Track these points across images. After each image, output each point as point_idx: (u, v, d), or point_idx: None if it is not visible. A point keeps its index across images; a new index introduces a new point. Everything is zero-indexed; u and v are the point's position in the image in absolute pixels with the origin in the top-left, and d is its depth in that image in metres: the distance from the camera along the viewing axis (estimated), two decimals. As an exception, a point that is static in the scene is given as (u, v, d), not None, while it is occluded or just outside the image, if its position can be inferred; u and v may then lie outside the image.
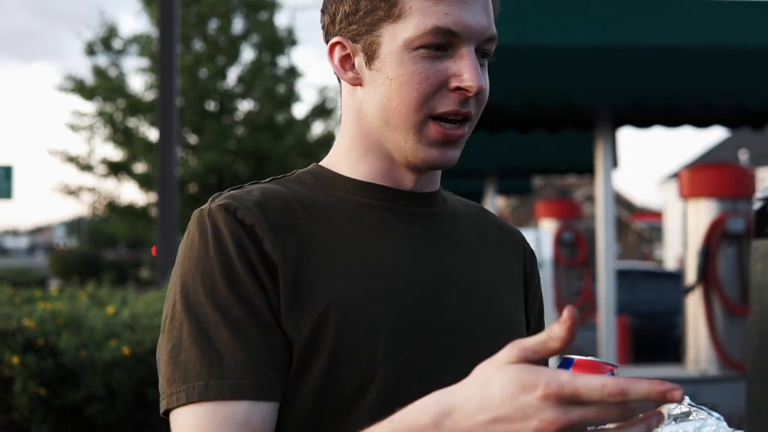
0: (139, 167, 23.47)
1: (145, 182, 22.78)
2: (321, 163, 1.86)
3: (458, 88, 1.69)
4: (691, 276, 8.84)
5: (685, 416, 1.75)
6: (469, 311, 1.78)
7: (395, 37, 1.69)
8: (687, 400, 1.74)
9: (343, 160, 1.82)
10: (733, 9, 7.83)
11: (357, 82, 1.77)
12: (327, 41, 1.82)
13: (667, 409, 1.72)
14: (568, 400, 1.23)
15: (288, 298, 1.62)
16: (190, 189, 23.14)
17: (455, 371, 1.49)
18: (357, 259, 1.70)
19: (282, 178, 1.83)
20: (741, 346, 8.08)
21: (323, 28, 1.84)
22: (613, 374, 1.52)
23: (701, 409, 1.76)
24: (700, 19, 7.61)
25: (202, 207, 1.71)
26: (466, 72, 1.67)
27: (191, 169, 22.18)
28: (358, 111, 1.79)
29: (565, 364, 1.49)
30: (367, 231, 1.74)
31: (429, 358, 1.70)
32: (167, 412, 1.61)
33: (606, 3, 7.80)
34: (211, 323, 1.59)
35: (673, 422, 1.74)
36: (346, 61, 1.78)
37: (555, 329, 1.27)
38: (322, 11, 1.84)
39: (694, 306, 8.74)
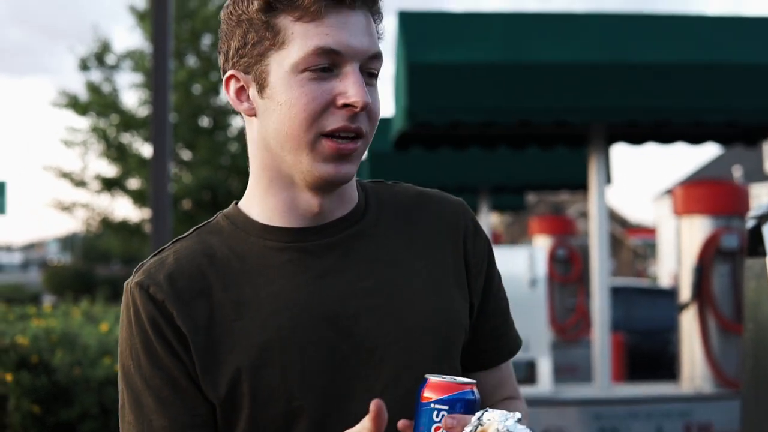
0: (133, 183, 23.48)
1: (138, 198, 22.78)
2: (239, 204, 1.98)
3: (345, 105, 1.77)
4: (685, 293, 8.83)
5: None
6: (383, 327, 1.86)
7: (282, 63, 1.78)
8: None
9: (253, 198, 1.93)
10: (726, 25, 7.86)
11: (252, 112, 1.88)
12: (222, 78, 1.91)
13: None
14: None
15: (202, 362, 1.80)
16: (184, 205, 23.15)
17: (376, 390, 1.81)
18: (267, 308, 1.82)
19: (204, 227, 1.96)
20: (736, 363, 8.07)
21: (220, 67, 1.94)
22: (472, 392, 1.72)
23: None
24: (692, 36, 7.63)
25: (127, 280, 1.91)
26: (351, 88, 1.76)
27: (185, 185, 22.19)
28: (258, 142, 1.90)
29: (422, 384, 1.70)
30: (277, 277, 1.85)
31: (345, 384, 1.83)
32: None
33: (599, 20, 7.82)
34: (140, 392, 1.81)
35: None
36: (241, 94, 1.88)
37: (365, 423, 1.54)
38: (218, 51, 1.94)
39: (689, 323, 8.73)
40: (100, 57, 23.76)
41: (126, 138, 23.50)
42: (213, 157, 22.70)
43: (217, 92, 24.26)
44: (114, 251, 27.46)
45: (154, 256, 1.93)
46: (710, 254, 8.57)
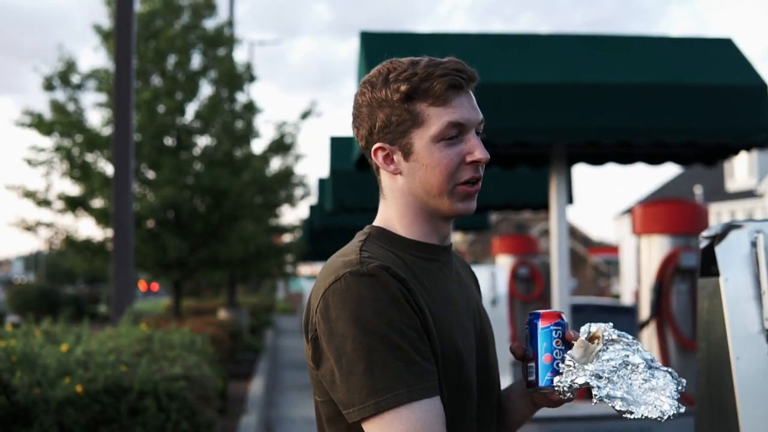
0: (97, 202, 23.34)
1: (102, 217, 22.61)
2: (377, 226, 2.55)
3: (473, 162, 2.43)
4: (644, 311, 8.90)
5: (613, 342, 2.42)
6: (481, 324, 2.58)
7: (423, 136, 2.43)
8: (611, 328, 2.43)
9: (397, 225, 2.51)
10: (684, 47, 7.94)
11: (397, 172, 2.48)
12: (367, 146, 2.52)
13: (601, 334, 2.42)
14: None
15: (429, 331, 2.32)
16: (148, 224, 23.03)
17: (495, 367, 2.61)
18: (442, 300, 2.44)
19: (366, 240, 2.49)
20: (695, 381, 8.13)
21: (361, 137, 2.54)
22: (563, 317, 2.46)
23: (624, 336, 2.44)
24: (653, 57, 7.70)
25: (351, 270, 2.33)
26: (477, 149, 2.43)
27: (149, 205, 22.09)
28: (402, 191, 2.50)
29: (536, 317, 2.47)
30: (435, 278, 2.46)
31: (486, 357, 2.56)
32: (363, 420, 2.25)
33: (560, 41, 7.88)
34: (397, 347, 2.24)
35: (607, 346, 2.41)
36: (387, 159, 2.49)
37: None
38: (355, 126, 2.56)
39: (648, 341, 8.79)
40: (64, 76, 23.60)
41: (90, 157, 23.37)
42: (177, 176, 22.56)
43: (182, 112, 24.18)
44: (77, 270, 27.35)
45: (359, 255, 2.39)
46: (669, 273, 8.64)
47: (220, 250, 22.88)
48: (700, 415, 3.84)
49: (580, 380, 2.33)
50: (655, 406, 2.31)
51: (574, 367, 2.36)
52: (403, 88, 2.43)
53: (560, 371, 2.39)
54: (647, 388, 2.34)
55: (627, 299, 39.38)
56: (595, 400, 2.29)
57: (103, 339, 8.15)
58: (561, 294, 8.00)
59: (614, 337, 2.41)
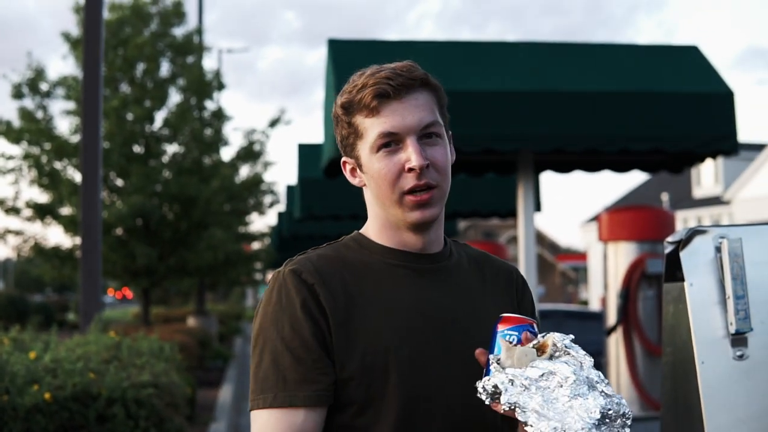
0: (65, 210, 23.24)
1: (70, 225, 22.52)
2: (361, 232, 2.58)
3: (410, 169, 2.39)
4: (612, 317, 8.95)
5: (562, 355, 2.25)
6: (464, 341, 2.44)
7: (364, 148, 2.45)
8: (563, 339, 2.27)
9: (372, 232, 2.55)
10: (651, 55, 7.99)
11: (362, 183, 2.54)
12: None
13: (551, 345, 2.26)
14: None
15: (338, 334, 2.34)
16: (116, 232, 22.95)
17: (461, 383, 2.39)
18: (388, 305, 2.42)
19: (334, 244, 2.56)
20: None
21: None
22: (533, 327, 2.34)
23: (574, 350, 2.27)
24: (618, 65, 7.74)
25: (278, 269, 2.46)
26: (412, 156, 2.38)
27: (117, 212, 22.00)
28: (370, 201, 2.54)
29: (497, 320, 2.33)
30: (395, 284, 2.46)
31: (434, 377, 2.41)
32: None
33: (527, 49, 7.91)
34: (279, 353, 2.33)
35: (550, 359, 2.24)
36: (353, 172, 2.55)
37: None
38: None
39: (615, 346, 8.85)
40: (33, 84, 23.51)
41: (59, 165, 23.26)
42: (146, 184, 22.49)
43: (150, 119, 24.12)
44: (46, 278, 27.22)
45: (299, 255, 2.50)
46: (636, 279, 8.70)
47: (188, 257, 22.81)
48: (665, 419, 3.87)
49: (493, 381, 2.19)
50: (564, 427, 2.11)
51: (496, 371, 2.22)
52: (340, 101, 2.49)
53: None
54: (569, 406, 2.16)
55: (595, 305, 39.52)
56: (503, 407, 2.15)
57: (72, 346, 8.11)
58: (529, 300, 8.02)
59: (564, 348, 2.26)
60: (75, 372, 6.84)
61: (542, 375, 2.19)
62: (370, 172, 2.45)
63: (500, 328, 2.33)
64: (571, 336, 2.29)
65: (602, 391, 2.19)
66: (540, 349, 2.26)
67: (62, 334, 10.22)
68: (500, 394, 2.17)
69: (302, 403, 2.31)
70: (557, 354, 2.25)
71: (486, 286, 2.62)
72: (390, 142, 2.41)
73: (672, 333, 3.73)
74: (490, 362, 2.25)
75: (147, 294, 24.06)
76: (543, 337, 2.28)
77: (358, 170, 2.53)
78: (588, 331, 15.87)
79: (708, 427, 3.45)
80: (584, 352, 2.27)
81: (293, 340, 2.33)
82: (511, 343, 2.27)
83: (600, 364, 13.33)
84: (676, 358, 3.72)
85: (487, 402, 2.21)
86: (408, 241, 2.51)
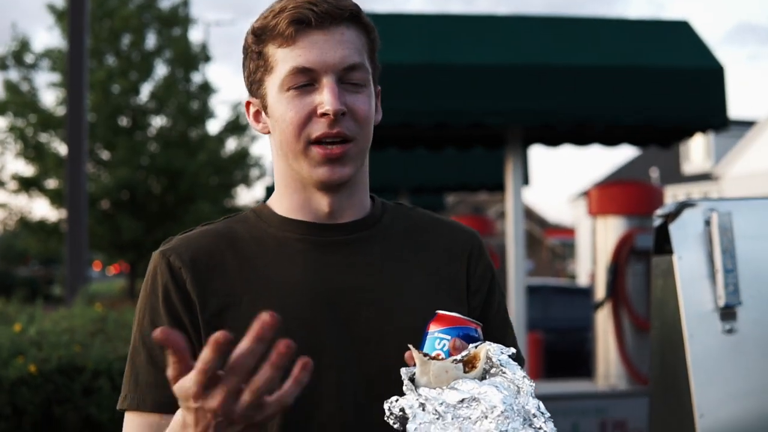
0: (51, 183, 23.19)
1: (56, 198, 22.50)
2: (267, 202, 2.20)
3: (323, 114, 2.00)
4: (600, 292, 8.94)
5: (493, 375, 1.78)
6: (378, 322, 2.06)
7: (273, 85, 2.06)
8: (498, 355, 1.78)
9: (275, 197, 2.17)
10: (641, 29, 7.95)
11: (266, 130, 2.14)
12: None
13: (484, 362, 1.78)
14: (202, 382, 1.58)
15: (208, 327, 1.98)
16: (102, 205, 22.91)
17: (361, 380, 2.01)
18: (276, 288, 2.05)
19: (233, 217, 2.20)
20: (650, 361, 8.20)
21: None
22: (476, 331, 1.89)
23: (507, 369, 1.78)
24: (608, 39, 7.70)
25: (155, 250, 2.12)
26: (326, 97, 1.99)
27: (103, 185, 21.96)
28: (274, 153, 2.13)
29: (431, 318, 1.89)
30: (289, 263, 2.08)
31: (332, 365, 2.02)
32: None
33: (517, 22, 7.87)
34: (137, 347, 2.06)
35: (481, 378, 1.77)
36: (257, 115, 2.15)
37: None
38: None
39: (604, 322, 8.84)
40: (18, 56, 23.45)
41: (44, 137, 23.21)
42: (132, 157, 22.49)
43: (136, 92, 24.05)
44: (32, 251, 27.10)
45: (182, 233, 2.17)
46: (625, 254, 8.69)
47: (175, 231, 22.81)
48: (654, 393, 3.86)
49: (402, 403, 1.72)
50: None
51: (408, 389, 1.75)
52: (252, 27, 2.09)
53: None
54: None
55: (583, 280, 39.63)
56: None
57: (57, 319, 8.09)
58: (517, 275, 8.00)
59: (500, 366, 1.77)
60: (60, 345, 6.82)
61: (463, 400, 1.70)
62: (275, 115, 2.06)
63: (431, 328, 1.89)
64: (512, 350, 1.79)
65: (540, 429, 1.72)
66: (469, 363, 1.78)
67: (48, 307, 10.20)
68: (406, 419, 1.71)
69: (151, 408, 2.01)
70: (492, 371, 1.78)
71: (417, 261, 2.18)
72: (303, 82, 2.02)
73: (660, 307, 3.71)
74: (402, 377, 1.80)
75: (133, 267, 24.04)
76: (476, 347, 1.79)
77: (263, 113, 2.13)
78: (575, 306, 15.93)
79: (696, 402, 3.43)
80: (524, 373, 1.77)
81: (149, 334, 1.96)
82: (440, 349, 1.84)
83: (588, 339, 13.38)
84: (664, 333, 3.70)
85: (396, 427, 1.75)
86: (314, 205, 2.11)
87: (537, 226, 60.80)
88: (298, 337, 1.78)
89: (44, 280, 45.35)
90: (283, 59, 2.02)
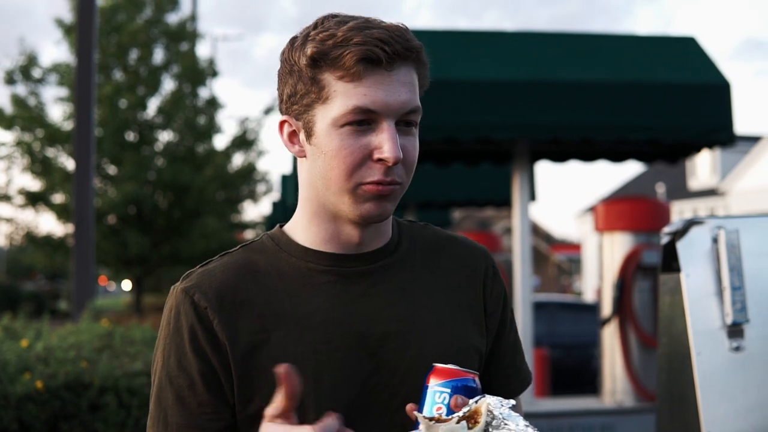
0: (57, 197, 23.23)
1: (62, 213, 22.52)
2: (284, 228, 2.13)
3: (380, 159, 1.92)
4: (606, 308, 8.93)
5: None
6: (406, 352, 2.03)
7: (325, 116, 1.94)
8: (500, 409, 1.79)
9: (298, 226, 2.09)
10: (648, 45, 7.95)
11: (302, 154, 2.03)
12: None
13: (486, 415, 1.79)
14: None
15: (239, 368, 1.95)
16: (109, 220, 22.94)
17: (392, 407, 1.98)
18: (304, 323, 1.99)
19: (249, 245, 2.12)
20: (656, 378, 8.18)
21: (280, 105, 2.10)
22: (474, 381, 1.88)
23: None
24: (615, 55, 7.71)
25: (175, 284, 2.04)
26: (386, 144, 1.91)
27: (110, 200, 21.99)
28: (306, 179, 2.05)
29: (428, 371, 1.87)
30: (315, 296, 2.02)
31: (367, 398, 2.00)
32: None
33: (524, 38, 7.88)
34: (163, 387, 1.98)
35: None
36: (293, 137, 2.04)
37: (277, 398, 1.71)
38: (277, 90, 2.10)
39: (610, 338, 8.83)
40: (26, 70, 23.49)
41: (51, 152, 23.25)
42: (139, 172, 22.50)
43: (143, 107, 24.09)
44: (38, 266, 27.18)
45: (202, 266, 2.08)
46: (631, 270, 8.68)
47: (181, 246, 22.82)
48: (661, 410, 3.85)
49: None
50: None
51: None
52: (309, 51, 1.94)
53: None
54: None
55: (589, 297, 39.58)
56: None
57: (64, 335, 8.09)
58: (524, 291, 8.00)
59: (502, 419, 1.76)
60: (67, 360, 6.81)
61: None
62: (324, 148, 1.95)
63: (430, 381, 1.88)
64: (512, 402, 1.80)
65: None
66: (471, 419, 1.78)
67: (54, 322, 10.19)
68: None
69: None
70: (494, 423, 1.77)
71: (439, 284, 2.15)
72: (362, 119, 1.92)
73: (668, 324, 3.71)
74: None
75: (139, 282, 24.03)
76: (476, 401, 1.79)
77: (301, 137, 2.02)
78: (582, 322, 15.90)
79: (704, 419, 3.43)
80: (526, 423, 1.77)
81: (178, 377, 1.96)
82: (440, 402, 1.85)
83: (594, 355, 13.35)
84: (671, 350, 3.70)
85: None
86: (343, 236, 2.05)
87: (543, 242, 60.80)
88: (330, 376, 1.96)
89: (50, 295, 45.36)
90: (345, 94, 1.92)
